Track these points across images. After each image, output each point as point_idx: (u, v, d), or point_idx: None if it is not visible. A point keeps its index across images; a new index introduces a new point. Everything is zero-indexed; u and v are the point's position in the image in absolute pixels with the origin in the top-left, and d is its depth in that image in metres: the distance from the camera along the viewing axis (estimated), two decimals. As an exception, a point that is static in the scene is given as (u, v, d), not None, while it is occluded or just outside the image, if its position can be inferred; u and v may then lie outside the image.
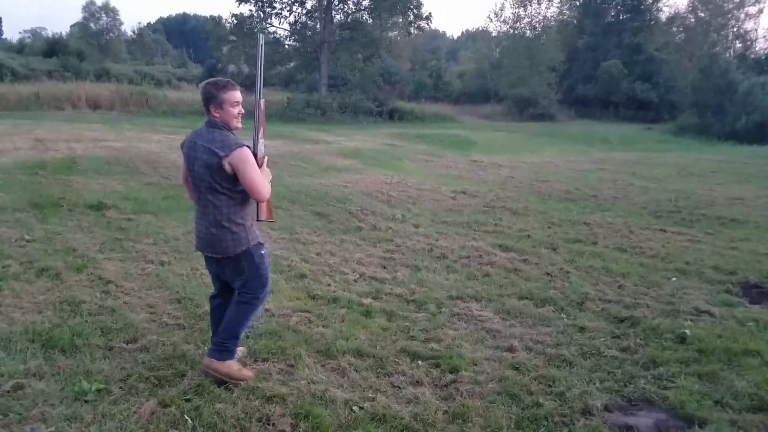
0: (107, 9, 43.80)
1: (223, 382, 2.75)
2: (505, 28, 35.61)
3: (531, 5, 34.18)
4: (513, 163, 12.39)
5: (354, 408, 2.63)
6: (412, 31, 28.88)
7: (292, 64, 28.66)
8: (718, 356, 3.23)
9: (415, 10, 26.79)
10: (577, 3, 37.83)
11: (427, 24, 27.84)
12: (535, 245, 5.59)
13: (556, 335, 3.51)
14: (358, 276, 4.51)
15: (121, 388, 2.70)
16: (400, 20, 27.61)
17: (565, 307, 3.98)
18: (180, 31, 67.04)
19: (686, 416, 2.66)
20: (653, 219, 7.10)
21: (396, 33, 29.88)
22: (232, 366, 2.77)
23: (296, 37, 27.46)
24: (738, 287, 4.50)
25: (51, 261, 4.41)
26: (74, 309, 3.57)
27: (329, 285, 4.26)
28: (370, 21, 27.12)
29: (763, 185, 10.10)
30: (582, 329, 3.60)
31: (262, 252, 2.81)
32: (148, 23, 62.79)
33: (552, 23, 35.61)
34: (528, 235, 5.99)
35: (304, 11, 26.96)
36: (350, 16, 27.19)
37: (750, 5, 37.39)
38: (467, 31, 67.85)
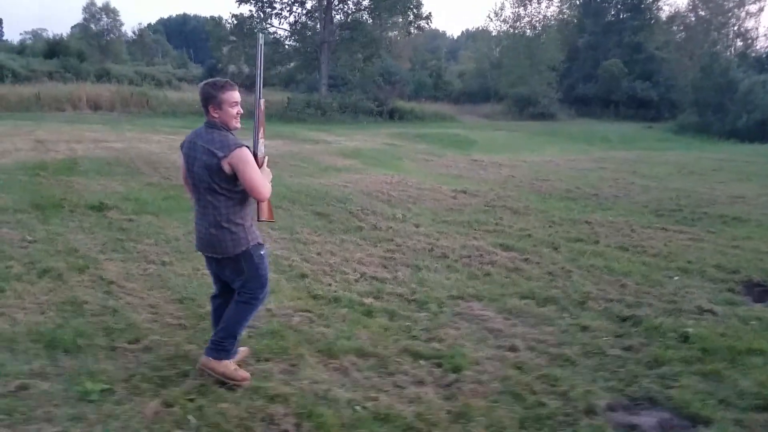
0: (108, 10, 43.90)
1: (224, 381, 2.76)
2: (505, 27, 35.65)
3: (531, 5, 34.18)
4: (513, 162, 12.39)
5: (357, 407, 2.63)
6: (412, 31, 28.87)
7: (292, 64, 28.66)
8: (721, 355, 3.22)
9: (414, 10, 26.79)
10: (577, 2, 37.82)
11: (427, 24, 27.86)
12: (537, 244, 5.59)
13: (558, 334, 3.51)
14: (359, 276, 4.51)
15: (124, 388, 2.71)
16: (400, 20, 27.62)
17: (567, 307, 3.97)
18: (180, 32, 67.08)
19: (690, 415, 2.66)
20: (655, 218, 7.09)
21: (396, 33, 29.87)
22: (228, 366, 2.77)
23: (296, 38, 27.46)
24: (741, 286, 4.50)
25: (53, 262, 4.41)
26: (77, 310, 3.57)
27: (330, 285, 4.26)
28: (370, 21, 27.11)
29: (765, 183, 10.10)
30: (584, 328, 3.59)
31: (262, 252, 2.81)
32: (149, 24, 62.84)
33: (552, 22, 35.60)
34: (529, 235, 5.98)
35: (304, 11, 26.98)
36: (350, 16, 27.19)
37: (750, 3, 37.42)
38: (467, 30, 67.90)
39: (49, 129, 14.13)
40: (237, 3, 25.81)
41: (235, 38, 26.71)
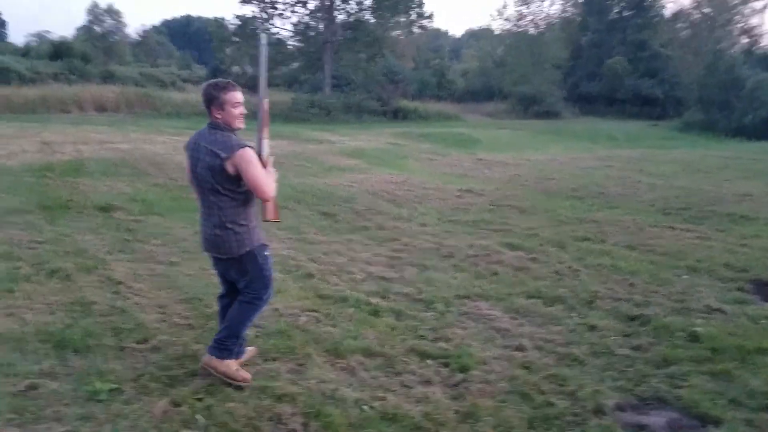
0: (111, 12, 44.04)
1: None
2: (508, 26, 35.57)
3: (534, 3, 34.13)
4: (518, 161, 12.36)
5: (364, 407, 2.63)
6: (415, 30, 28.86)
7: (295, 64, 28.70)
8: (731, 354, 3.20)
9: (417, 9, 26.78)
10: (580, 0, 37.68)
11: (429, 23, 27.85)
12: (543, 243, 5.58)
13: (566, 334, 3.50)
14: (365, 275, 4.51)
15: (133, 387, 2.72)
16: (403, 19, 27.60)
17: (575, 306, 3.96)
18: (184, 33, 67.21)
19: (700, 415, 2.65)
20: (662, 216, 7.06)
21: (399, 32, 29.84)
22: (230, 366, 2.78)
23: (299, 38, 27.49)
24: (750, 284, 4.47)
25: (61, 262, 4.43)
26: (85, 310, 3.59)
27: (337, 284, 4.26)
28: (372, 20, 27.11)
29: (772, 181, 10.03)
30: (592, 328, 3.58)
31: (266, 253, 2.82)
32: (152, 26, 62.99)
33: (555, 21, 35.50)
34: (536, 234, 5.97)
35: (307, 12, 27.00)
36: (353, 16, 27.19)
37: (755, 0, 37.19)
38: (470, 29, 67.76)
39: (55, 131, 14.19)
40: (240, 3, 25.89)
41: (238, 39, 26.76)
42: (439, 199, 7.83)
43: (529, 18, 34.39)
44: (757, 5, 37.60)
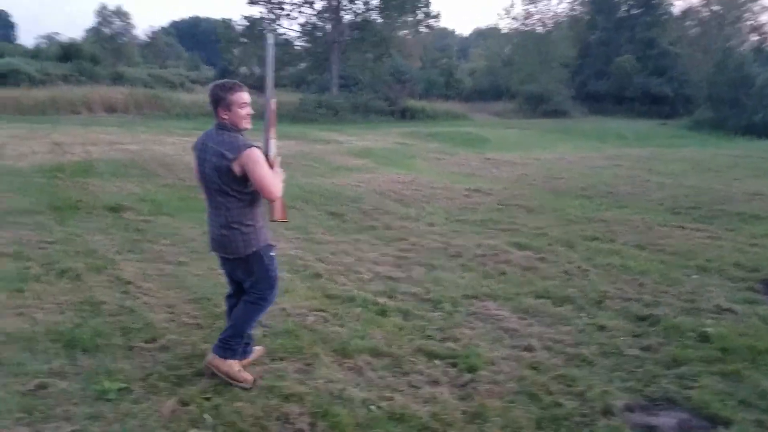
0: (120, 13, 44.34)
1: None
2: (515, 25, 35.45)
3: (541, 2, 33.98)
4: (526, 160, 12.31)
5: (372, 407, 2.63)
6: (422, 30, 28.83)
7: (302, 65, 28.76)
8: (741, 355, 3.17)
9: (424, 9, 26.75)
10: (588, -1, 37.49)
11: (436, 22, 27.82)
12: (552, 243, 5.55)
13: (575, 334, 3.48)
14: (372, 275, 4.51)
15: (141, 387, 2.73)
16: (410, 19, 27.58)
17: (584, 306, 3.94)
18: (192, 35, 67.53)
19: (710, 416, 2.63)
20: (671, 215, 7.00)
21: (406, 32, 29.83)
22: (233, 366, 2.78)
23: (306, 38, 27.55)
24: (761, 284, 4.42)
25: (71, 262, 4.46)
26: (95, 309, 3.62)
27: (344, 284, 4.26)
28: (379, 20, 27.12)
29: (783, 180, 9.93)
30: (601, 328, 3.56)
31: (272, 254, 2.82)
32: (161, 27, 63.36)
33: (563, 19, 35.33)
34: (544, 233, 5.93)
35: (314, 12, 27.05)
36: (360, 16, 27.21)
37: (765, -2, 36.76)
38: (478, 28, 67.58)
39: (64, 132, 14.32)
40: (248, 4, 26.00)
41: (246, 40, 26.87)
42: (446, 198, 7.81)
43: (537, 16, 34.27)
44: (767, 2, 37.18)
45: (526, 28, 34.32)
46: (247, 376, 2.80)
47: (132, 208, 6.45)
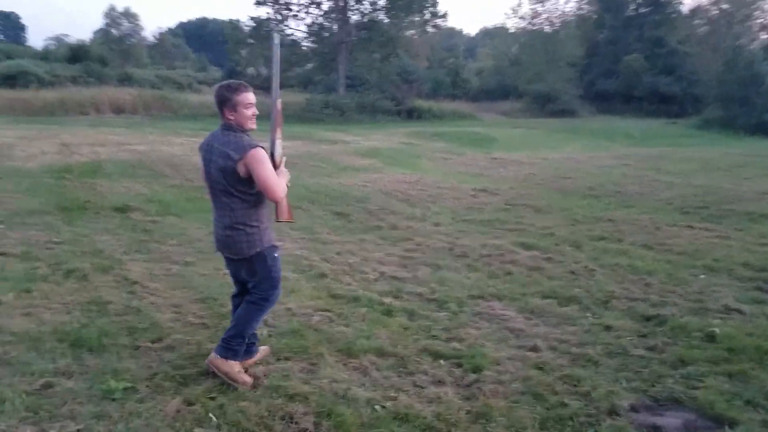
0: (128, 15, 44.62)
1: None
2: (523, 24, 35.34)
3: (549, 1, 33.85)
4: (533, 160, 12.27)
5: (376, 407, 2.63)
6: (429, 30, 28.81)
7: (309, 65, 28.83)
8: (748, 355, 3.14)
9: (431, 9, 26.73)
10: (596, -3, 37.29)
11: (443, 22, 27.80)
12: (559, 243, 5.52)
13: (581, 334, 3.46)
14: (378, 275, 4.51)
15: (147, 386, 2.74)
16: (417, 19, 27.57)
17: (590, 306, 3.92)
18: (199, 36, 67.85)
19: (716, 416, 2.60)
20: (679, 215, 6.95)
21: (413, 32, 29.81)
22: (233, 366, 2.78)
23: (313, 39, 27.61)
24: (769, 284, 4.38)
25: (78, 262, 4.50)
26: (101, 309, 3.64)
27: (350, 284, 4.26)
28: (386, 20, 27.12)
29: (793, 179, 9.83)
30: (607, 328, 3.54)
31: (275, 254, 2.83)
32: (168, 28, 63.66)
33: (571, 18, 35.17)
34: (551, 233, 5.91)
35: (321, 13, 27.11)
36: (367, 16, 27.24)
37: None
38: (485, 28, 67.38)
39: (73, 133, 14.44)
40: (255, 5, 26.10)
41: (253, 41, 26.97)
42: (453, 198, 7.80)
43: (544, 16, 34.18)
44: (777, 0, 36.74)
45: (534, 28, 34.22)
46: (247, 378, 2.79)
47: (139, 209, 6.49)
